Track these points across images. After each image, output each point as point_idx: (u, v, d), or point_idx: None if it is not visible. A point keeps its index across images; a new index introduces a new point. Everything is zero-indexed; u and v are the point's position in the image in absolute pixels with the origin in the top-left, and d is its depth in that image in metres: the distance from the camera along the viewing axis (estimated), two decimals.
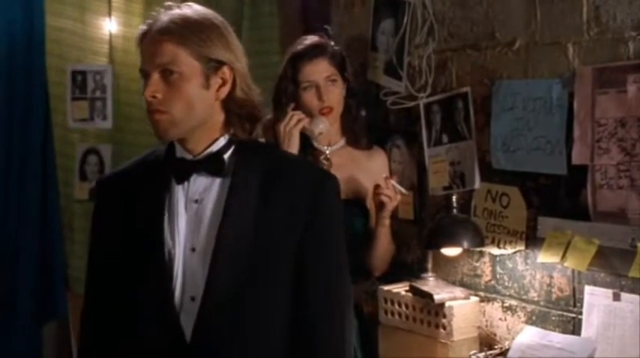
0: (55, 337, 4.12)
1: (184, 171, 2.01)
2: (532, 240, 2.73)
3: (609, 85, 2.48)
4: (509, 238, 2.80)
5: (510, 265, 2.82)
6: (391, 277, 3.07)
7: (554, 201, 2.66)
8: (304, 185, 2.04)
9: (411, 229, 3.17)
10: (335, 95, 2.97)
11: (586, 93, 2.53)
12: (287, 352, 2.00)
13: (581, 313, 2.58)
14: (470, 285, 2.95)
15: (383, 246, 2.97)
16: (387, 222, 2.92)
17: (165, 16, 1.97)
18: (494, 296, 2.88)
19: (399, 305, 2.95)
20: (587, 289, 2.56)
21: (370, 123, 3.15)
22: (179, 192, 2.00)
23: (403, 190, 2.94)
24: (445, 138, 2.99)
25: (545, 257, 2.63)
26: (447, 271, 3.02)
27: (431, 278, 2.94)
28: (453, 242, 2.82)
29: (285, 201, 2.00)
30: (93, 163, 3.99)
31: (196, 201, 1.99)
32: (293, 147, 2.89)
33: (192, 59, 1.94)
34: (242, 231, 1.96)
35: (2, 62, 3.76)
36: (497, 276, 2.87)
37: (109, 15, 4.07)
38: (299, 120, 2.91)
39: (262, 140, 3.00)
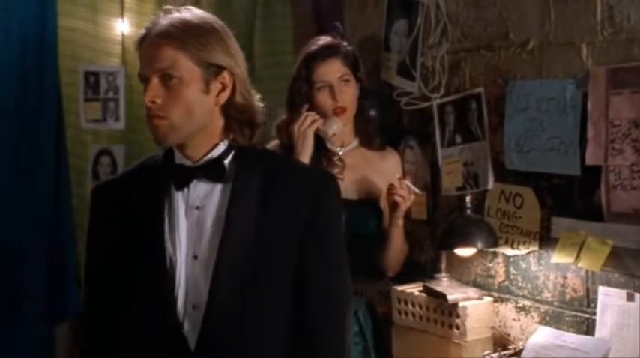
0: (68, 337, 4.15)
1: (184, 177, 1.99)
2: (546, 240, 2.75)
3: (623, 85, 2.49)
4: (523, 239, 2.82)
5: (524, 265, 2.84)
6: (404, 277, 3.09)
7: (567, 201, 2.68)
8: (304, 187, 2.04)
9: (425, 229, 3.19)
10: (348, 95, 2.99)
11: (600, 93, 2.55)
12: (287, 353, 2.01)
13: (594, 313, 2.60)
14: (483, 286, 2.97)
15: (396, 246, 2.99)
16: (400, 222, 2.95)
17: (164, 20, 1.95)
18: (507, 296, 2.90)
19: (413, 305, 2.97)
20: (601, 289, 2.58)
21: (383, 123, 3.17)
22: (179, 199, 1.99)
23: (417, 190, 2.96)
24: (458, 139, 3.01)
25: (559, 257, 2.65)
26: (460, 271, 3.04)
27: (444, 279, 2.96)
28: (466, 242, 2.84)
29: (285, 203, 2.00)
30: (105, 164, 4.02)
31: (197, 208, 1.98)
32: (307, 147, 2.92)
33: (191, 64, 1.93)
34: (244, 238, 1.96)
35: (15, 63, 3.79)
36: (511, 277, 2.89)
37: (122, 16, 4.11)
38: (313, 121, 2.94)
39: (275, 141, 3.07)
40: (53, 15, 3.87)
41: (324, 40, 3.06)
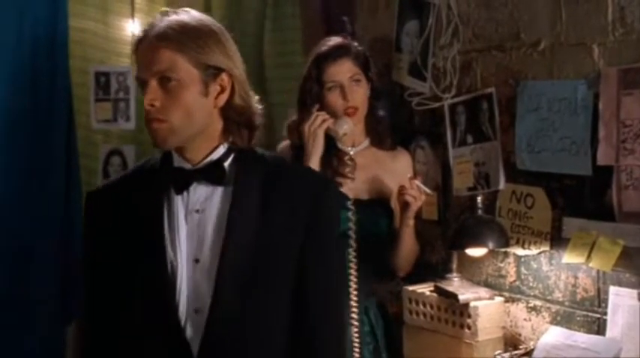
0: (78, 338, 4.17)
1: (184, 180, 1.99)
2: (557, 240, 2.77)
3: (634, 85, 2.51)
4: (534, 239, 2.84)
5: (535, 266, 2.86)
6: (415, 277, 3.12)
7: (579, 201, 2.70)
8: (303, 190, 2.04)
9: (435, 230, 3.22)
10: (359, 95, 3.01)
11: (611, 94, 2.56)
12: (288, 353, 2.02)
13: (605, 313, 2.61)
14: (494, 286, 2.99)
15: (407, 246, 3.01)
16: (411, 222, 2.97)
17: (162, 23, 1.95)
18: (518, 296, 2.92)
19: (424, 305, 2.99)
20: (612, 289, 2.59)
21: (394, 123, 3.19)
22: (178, 203, 1.99)
23: (428, 190, 2.98)
24: (470, 139, 3.04)
25: (570, 257, 2.67)
26: (471, 272, 3.06)
27: (455, 279, 2.98)
28: (478, 242, 2.86)
29: (285, 206, 2.00)
30: (116, 164, 4.05)
31: (197, 211, 1.98)
32: (318, 147, 2.94)
33: (190, 66, 1.92)
34: (245, 241, 1.96)
35: (26, 64, 3.80)
36: (522, 277, 2.91)
37: (132, 16, 4.13)
38: (323, 121, 2.96)
39: (286, 142, 3.09)
40: (64, 16, 3.88)
41: (335, 40, 3.08)
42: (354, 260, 2.95)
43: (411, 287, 3.07)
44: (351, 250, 2.95)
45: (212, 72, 1.95)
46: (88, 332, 2.11)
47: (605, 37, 2.61)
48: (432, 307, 2.97)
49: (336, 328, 2.11)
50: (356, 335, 2.95)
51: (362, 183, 3.03)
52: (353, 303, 2.95)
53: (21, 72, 3.80)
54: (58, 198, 3.92)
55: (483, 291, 2.93)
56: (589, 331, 2.68)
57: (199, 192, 1.99)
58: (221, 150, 2.01)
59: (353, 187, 3.00)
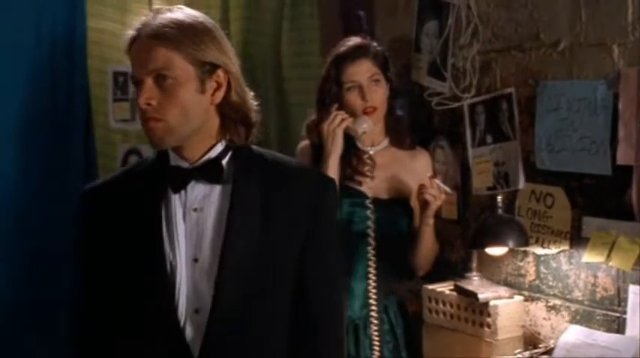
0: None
1: (181, 179, 1.98)
2: (576, 239, 2.80)
3: None
4: (554, 238, 2.87)
5: (554, 265, 2.89)
6: (435, 276, 3.16)
7: (598, 201, 2.73)
8: (304, 190, 2.04)
9: (455, 229, 3.25)
10: (378, 95, 3.04)
11: (631, 94, 2.58)
12: (288, 353, 2.04)
13: (625, 312, 2.64)
14: (514, 285, 3.02)
15: (427, 245, 3.05)
16: (431, 221, 3.00)
17: (155, 20, 1.93)
18: (538, 295, 2.95)
19: (444, 304, 3.03)
20: (632, 288, 2.62)
21: (414, 123, 3.23)
22: (176, 202, 1.98)
23: (448, 189, 3.01)
24: (489, 139, 3.07)
25: (589, 257, 2.69)
26: (491, 271, 3.09)
27: (475, 278, 3.02)
28: (498, 241, 2.89)
29: (286, 206, 2.01)
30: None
31: (195, 210, 1.97)
32: (337, 146, 2.97)
33: (186, 63, 1.91)
34: (246, 240, 1.96)
35: (45, 65, 3.82)
36: (541, 276, 2.95)
37: None
38: (342, 120, 2.98)
39: (306, 141, 3.13)
40: (82, 16, 3.90)
41: (354, 40, 3.10)
42: (372, 258, 3.00)
43: (430, 286, 3.10)
44: (369, 248, 3.00)
45: (208, 68, 1.94)
46: (86, 333, 2.09)
47: (624, 38, 2.63)
48: (451, 306, 3.01)
49: (338, 327, 2.14)
50: (375, 333, 3.00)
51: (381, 182, 3.07)
52: (372, 302, 3.00)
53: (39, 72, 3.83)
54: (77, 199, 3.94)
55: (503, 290, 2.95)
56: (609, 330, 2.71)
57: (197, 190, 1.98)
58: (219, 148, 2.01)
59: (372, 186, 3.04)
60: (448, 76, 3.16)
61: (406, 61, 3.36)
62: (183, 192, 1.98)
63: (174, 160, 2.00)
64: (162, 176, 2.00)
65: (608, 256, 2.65)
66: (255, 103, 2.05)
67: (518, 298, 2.96)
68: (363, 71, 3.03)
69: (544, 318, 2.94)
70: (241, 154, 2.02)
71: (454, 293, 3.01)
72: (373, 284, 3.00)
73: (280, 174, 2.05)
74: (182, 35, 1.91)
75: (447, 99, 3.18)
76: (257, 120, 2.04)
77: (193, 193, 1.98)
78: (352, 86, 3.03)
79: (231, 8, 4.12)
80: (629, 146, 2.60)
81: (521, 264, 3.03)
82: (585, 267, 2.78)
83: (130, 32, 1.97)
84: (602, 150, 2.68)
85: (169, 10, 1.96)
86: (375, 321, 3.00)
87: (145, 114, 1.93)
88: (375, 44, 3.12)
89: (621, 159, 2.62)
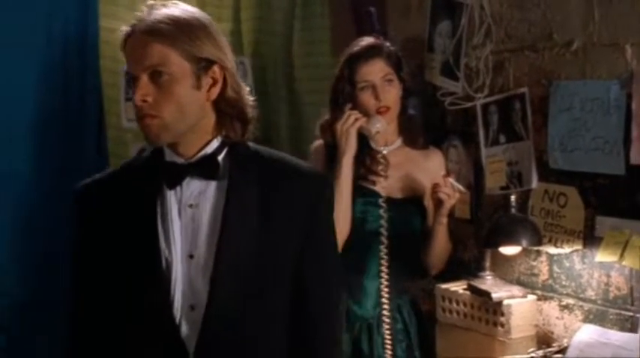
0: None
1: (177, 175, 1.97)
2: (590, 239, 2.82)
3: None
4: (567, 237, 2.89)
5: (567, 264, 2.92)
6: (448, 275, 3.19)
7: (612, 200, 2.75)
8: (303, 189, 2.05)
9: (468, 228, 3.28)
10: (392, 95, 3.07)
11: None
12: (287, 351, 2.05)
13: (638, 311, 2.67)
14: (527, 284, 3.04)
15: (440, 244, 3.09)
16: (444, 220, 3.04)
17: (150, 16, 1.93)
18: (551, 294, 2.98)
19: (457, 303, 3.05)
20: None
21: (427, 123, 3.26)
22: (171, 198, 1.98)
23: (461, 188, 3.04)
24: (502, 139, 3.09)
25: (603, 256, 2.72)
26: (504, 270, 3.11)
27: (489, 277, 3.04)
28: (511, 241, 2.92)
29: (284, 205, 2.01)
30: None
31: (191, 206, 1.98)
32: (350, 146, 3.00)
33: (182, 59, 1.91)
34: (242, 238, 1.96)
35: (57, 65, 3.85)
36: (555, 275, 2.97)
37: None
38: (356, 119, 3.01)
39: (319, 141, 3.17)
40: (95, 16, 3.94)
41: (367, 40, 3.13)
42: (385, 257, 3.04)
43: (444, 285, 3.13)
44: (382, 247, 3.04)
45: (204, 64, 1.94)
46: (82, 331, 2.09)
47: (638, 37, 2.65)
48: (465, 305, 3.03)
49: (336, 327, 2.18)
50: (388, 332, 3.04)
51: (395, 181, 3.10)
52: (385, 301, 3.04)
53: (52, 72, 3.86)
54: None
55: (516, 289, 2.98)
56: (622, 329, 2.73)
57: (192, 186, 1.98)
58: (214, 144, 2.01)
59: (386, 186, 3.08)
60: (461, 75, 3.18)
61: (419, 60, 3.39)
62: (178, 188, 1.98)
63: (169, 156, 2.00)
64: (158, 172, 2.00)
65: (622, 255, 2.67)
66: (251, 99, 2.05)
67: (531, 297, 2.98)
68: (376, 71, 3.06)
69: (557, 317, 2.96)
70: (237, 150, 2.03)
71: (467, 293, 3.03)
72: (386, 283, 3.05)
73: (277, 172, 2.06)
74: (178, 31, 1.91)
75: (460, 99, 3.20)
76: (253, 115, 2.05)
77: (189, 189, 1.98)
78: (365, 86, 3.06)
79: (243, 8, 4.14)
80: None
81: (535, 263, 3.05)
82: (598, 266, 2.81)
83: (125, 28, 1.97)
84: (615, 150, 2.71)
85: (164, 6, 1.96)
86: (388, 320, 3.04)
87: (141, 110, 1.93)
88: (388, 44, 3.15)
89: (635, 159, 2.64)
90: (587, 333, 2.77)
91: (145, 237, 1.97)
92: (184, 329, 1.97)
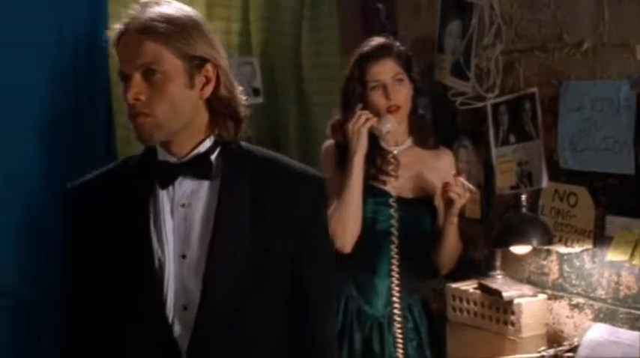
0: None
1: (169, 174, 1.97)
2: (600, 238, 2.85)
3: None
4: (577, 237, 2.93)
5: (578, 263, 2.95)
6: (458, 275, 3.21)
7: (622, 200, 2.78)
8: (298, 190, 2.05)
9: (478, 228, 3.31)
10: (402, 94, 3.10)
11: None
12: (284, 352, 2.06)
13: None
14: (537, 283, 3.08)
15: (451, 244, 3.12)
16: (455, 219, 3.06)
17: (143, 14, 1.92)
18: (561, 294, 3.01)
19: (468, 302, 3.09)
20: None
21: (437, 123, 3.29)
22: (164, 197, 1.98)
23: (472, 187, 3.07)
24: (512, 138, 3.12)
25: (613, 255, 2.76)
26: (514, 269, 3.15)
27: (499, 276, 3.08)
28: (522, 240, 2.95)
29: (278, 205, 2.01)
30: None
31: (183, 206, 1.98)
32: (361, 146, 3.03)
33: (175, 58, 1.91)
34: (235, 237, 1.96)
35: (67, 66, 3.86)
36: (565, 275, 3.01)
37: None
38: (367, 119, 3.04)
39: (330, 141, 3.20)
40: (104, 17, 3.97)
41: (377, 40, 3.16)
42: (396, 256, 3.07)
43: (454, 285, 3.16)
44: (393, 247, 3.07)
45: (197, 63, 1.94)
46: (75, 331, 2.09)
47: None
48: (475, 304, 3.06)
49: (332, 327, 2.21)
50: (399, 331, 3.07)
51: (406, 181, 3.13)
52: (396, 300, 3.08)
53: (62, 73, 3.88)
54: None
55: (526, 288, 3.01)
56: (632, 328, 2.76)
57: (185, 186, 1.98)
58: (207, 143, 2.01)
59: (397, 186, 3.11)
60: (471, 75, 3.21)
61: (429, 60, 3.41)
62: (171, 187, 1.98)
63: (162, 155, 2.00)
64: (150, 171, 2.00)
65: (632, 255, 2.71)
66: (244, 98, 2.06)
67: (541, 296, 3.02)
68: (386, 70, 3.09)
69: (567, 316, 2.99)
70: (230, 150, 2.03)
71: (478, 292, 3.06)
72: (396, 282, 3.08)
73: (271, 172, 2.06)
74: (171, 29, 1.91)
75: (471, 99, 3.23)
76: (246, 115, 2.05)
77: (181, 189, 1.99)
78: (376, 85, 3.09)
79: (252, 8, 4.16)
80: None
81: (545, 262, 3.08)
82: (609, 265, 2.84)
83: (118, 26, 1.97)
84: (625, 150, 2.74)
85: (157, 4, 1.96)
86: (399, 319, 3.07)
87: (134, 109, 1.92)
88: (398, 44, 3.18)
89: None
90: (597, 332, 2.80)
91: (137, 236, 1.98)
92: (177, 328, 1.98)
